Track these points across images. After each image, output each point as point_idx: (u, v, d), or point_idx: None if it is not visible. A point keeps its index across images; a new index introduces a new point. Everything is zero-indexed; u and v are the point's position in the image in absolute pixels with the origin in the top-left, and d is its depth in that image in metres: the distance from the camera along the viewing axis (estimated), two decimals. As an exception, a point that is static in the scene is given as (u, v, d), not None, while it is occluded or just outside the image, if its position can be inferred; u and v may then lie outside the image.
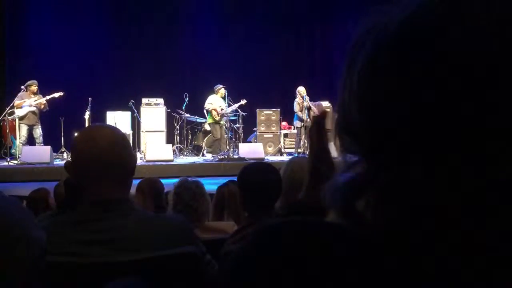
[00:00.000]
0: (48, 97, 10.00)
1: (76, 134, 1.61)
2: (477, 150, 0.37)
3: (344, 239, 0.44)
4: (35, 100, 9.89)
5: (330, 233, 0.45)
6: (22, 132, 9.80)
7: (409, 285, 0.40)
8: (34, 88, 9.95)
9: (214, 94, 10.86)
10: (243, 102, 11.06)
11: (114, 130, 1.44)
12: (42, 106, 9.97)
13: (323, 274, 0.42)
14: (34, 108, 9.89)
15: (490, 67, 0.37)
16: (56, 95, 10.07)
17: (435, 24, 0.39)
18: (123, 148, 1.40)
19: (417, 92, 0.39)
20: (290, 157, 3.43)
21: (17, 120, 9.77)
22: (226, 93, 10.78)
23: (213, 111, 10.63)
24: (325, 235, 0.45)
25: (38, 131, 10.02)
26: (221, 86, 10.90)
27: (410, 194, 0.40)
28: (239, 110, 11.03)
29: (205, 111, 10.89)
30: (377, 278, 0.41)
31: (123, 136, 1.47)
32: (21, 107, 9.80)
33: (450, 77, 0.37)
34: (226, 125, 10.95)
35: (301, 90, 10.94)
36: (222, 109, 10.72)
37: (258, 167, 2.14)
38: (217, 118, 10.64)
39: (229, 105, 10.89)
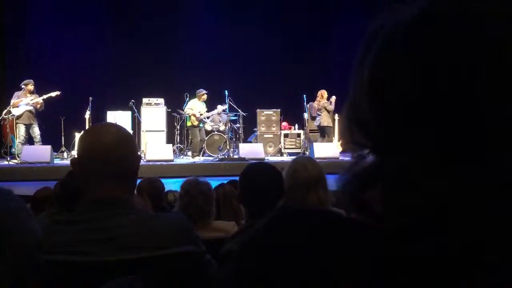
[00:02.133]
0: (45, 96, 9.98)
1: (83, 131, 1.62)
2: (480, 142, 0.38)
3: (348, 230, 0.44)
4: (32, 99, 9.86)
5: (334, 223, 0.45)
6: (20, 131, 9.79)
7: (415, 274, 0.40)
8: (30, 87, 9.92)
9: (195, 99, 11.06)
10: (224, 107, 11.17)
11: (119, 129, 1.43)
12: (38, 106, 9.94)
13: (322, 264, 0.42)
14: (30, 107, 9.86)
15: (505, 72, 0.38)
16: (53, 94, 10.06)
17: (446, 23, 0.40)
18: (126, 148, 1.39)
19: (425, 90, 0.40)
20: (294, 157, 3.43)
21: (13, 119, 9.76)
22: (227, 94, 10.79)
23: (192, 116, 10.86)
24: (328, 225, 0.45)
25: (35, 130, 9.99)
26: (204, 91, 11.10)
27: (415, 185, 0.41)
28: (239, 110, 11.06)
29: (186, 115, 11.08)
30: (380, 267, 0.41)
31: (129, 136, 1.46)
32: (17, 106, 9.77)
33: (460, 78, 0.38)
34: (219, 127, 11.11)
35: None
36: (201, 114, 10.96)
37: (260, 168, 2.13)
38: (195, 123, 10.92)
39: (230, 106, 10.93)
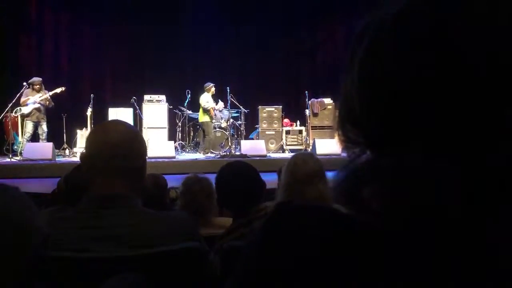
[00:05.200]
0: (51, 93, 10.05)
1: (85, 127, 1.62)
2: (475, 137, 0.38)
3: (347, 227, 0.44)
4: (40, 97, 9.93)
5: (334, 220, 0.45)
6: (27, 128, 9.85)
7: (414, 272, 0.40)
8: (36, 87, 9.96)
9: (206, 93, 10.73)
10: (221, 105, 11.00)
11: (128, 127, 1.44)
12: (47, 103, 10.02)
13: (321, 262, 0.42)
14: (38, 105, 9.94)
15: (488, 56, 0.38)
16: (58, 90, 10.12)
17: (431, 16, 0.40)
18: (130, 146, 1.39)
19: (414, 80, 0.40)
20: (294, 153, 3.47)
21: (19, 117, 9.84)
22: (228, 90, 10.78)
23: (211, 110, 10.57)
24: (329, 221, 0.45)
25: (44, 128, 10.06)
26: (212, 84, 10.79)
27: (410, 181, 0.40)
28: (241, 107, 11.05)
29: (202, 110, 10.71)
30: (378, 265, 0.41)
31: (135, 135, 1.46)
32: (26, 105, 9.87)
33: (447, 66, 0.38)
34: (226, 123, 10.94)
35: None
36: (214, 108, 10.70)
37: (233, 168, 2.15)
38: (213, 117, 10.62)
39: (231, 102, 10.90)
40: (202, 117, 10.70)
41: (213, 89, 10.76)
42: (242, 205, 1.98)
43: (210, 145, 10.56)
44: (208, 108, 10.56)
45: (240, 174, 2.06)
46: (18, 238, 0.86)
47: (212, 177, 2.72)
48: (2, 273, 0.83)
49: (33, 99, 9.88)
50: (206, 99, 10.63)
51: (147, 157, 1.49)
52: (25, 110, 9.85)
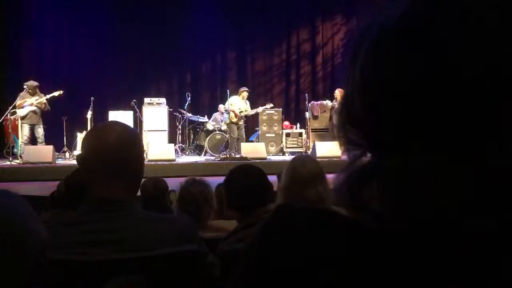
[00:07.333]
0: (48, 96, 10.02)
1: (86, 130, 1.61)
2: (476, 137, 0.38)
3: (349, 229, 0.44)
4: (36, 100, 9.91)
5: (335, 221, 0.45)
6: (24, 131, 9.84)
7: (412, 273, 0.40)
8: (30, 90, 9.94)
9: (237, 96, 10.91)
10: (269, 106, 11.17)
11: (125, 129, 1.41)
12: (43, 106, 9.99)
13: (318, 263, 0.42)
14: (35, 108, 9.92)
15: (489, 59, 0.37)
16: (56, 93, 10.09)
17: (434, 18, 0.40)
18: (130, 148, 1.38)
19: (416, 81, 0.40)
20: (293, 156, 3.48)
21: (19, 119, 9.83)
22: (228, 93, 10.79)
23: (231, 112, 10.68)
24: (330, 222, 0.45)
25: (40, 131, 10.05)
26: (245, 88, 10.97)
27: (411, 182, 0.40)
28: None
29: (224, 110, 10.97)
30: (377, 268, 0.41)
31: (133, 137, 1.44)
32: (22, 107, 9.84)
33: (448, 67, 0.38)
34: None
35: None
36: (241, 112, 10.73)
37: (243, 170, 2.15)
38: (234, 120, 10.69)
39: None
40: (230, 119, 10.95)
41: (244, 93, 10.88)
42: (251, 206, 1.98)
43: (238, 146, 10.63)
44: (228, 109, 10.74)
45: (250, 176, 2.06)
46: (18, 244, 0.85)
47: (212, 180, 2.72)
48: (1, 280, 0.83)
49: (29, 102, 9.86)
50: (231, 101, 10.81)
51: (146, 160, 1.48)
52: (21, 112, 9.82)
